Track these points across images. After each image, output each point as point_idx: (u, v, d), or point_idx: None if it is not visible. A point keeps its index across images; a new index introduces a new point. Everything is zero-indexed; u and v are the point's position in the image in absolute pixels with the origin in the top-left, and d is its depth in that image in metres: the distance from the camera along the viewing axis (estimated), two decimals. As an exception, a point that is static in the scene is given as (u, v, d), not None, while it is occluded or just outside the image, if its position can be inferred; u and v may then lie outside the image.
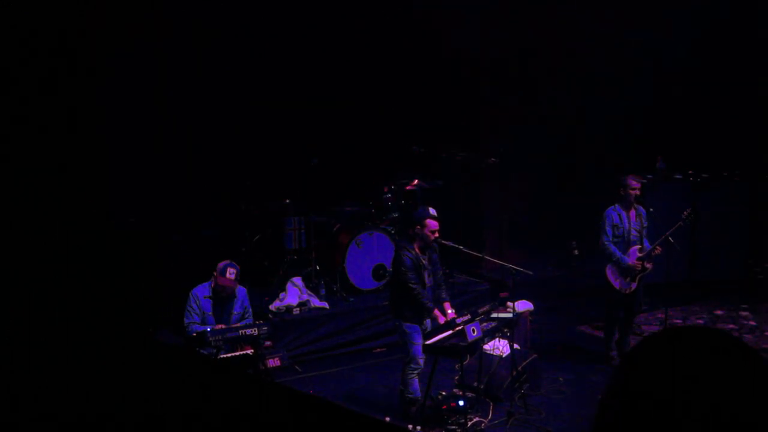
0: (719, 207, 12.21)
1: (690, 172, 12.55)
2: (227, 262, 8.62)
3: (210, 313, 8.59)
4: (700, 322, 11.26)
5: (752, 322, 11.22)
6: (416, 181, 11.22)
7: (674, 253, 9.42)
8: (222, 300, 8.63)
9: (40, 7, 9.84)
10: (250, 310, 8.86)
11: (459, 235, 11.29)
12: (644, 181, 11.54)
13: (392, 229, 11.04)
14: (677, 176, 12.48)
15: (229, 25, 11.68)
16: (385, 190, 11.38)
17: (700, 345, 1.62)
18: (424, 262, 8.41)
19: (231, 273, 8.56)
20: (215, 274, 8.58)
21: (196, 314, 8.56)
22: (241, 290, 8.84)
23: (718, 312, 11.60)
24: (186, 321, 8.57)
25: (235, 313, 8.68)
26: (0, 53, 9.48)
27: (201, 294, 8.61)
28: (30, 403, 2.51)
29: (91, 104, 10.87)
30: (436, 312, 8.34)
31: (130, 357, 2.76)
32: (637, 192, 9.60)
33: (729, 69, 13.04)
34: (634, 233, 9.61)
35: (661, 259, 9.55)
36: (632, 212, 9.63)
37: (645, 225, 9.66)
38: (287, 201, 10.85)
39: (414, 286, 8.26)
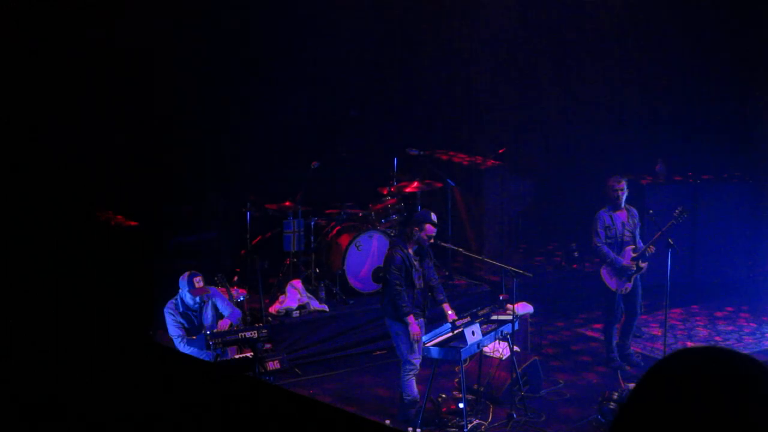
0: (720, 208, 12.19)
1: (690, 173, 12.54)
2: (188, 273, 8.53)
3: (188, 323, 8.56)
4: (700, 323, 11.25)
5: (752, 324, 11.20)
6: (416, 184, 11.21)
7: (674, 254, 9.40)
8: (194, 310, 8.58)
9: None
10: (225, 308, 8.74)
11: (458, 238, 11.30)
12: (642, 182, 11.55)
13: (392, 232, 11.02)
14: (677, 178, 12.47)
15: (229, 26, 11.66)
16: (385, 192, 11.37)
17: (727, 366, 1.64)
18: (414, 263, 8.39)
19: (199, 281, 8.51)
20: (186, 290, 8.48)
21: (176, 328, 8.51)
22: (214, 293, 8.80)
23: (719, 313, 11.58)
24: (173, 334, 8.49)
25: (209, 316, 8.64)
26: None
27: (174, 310, 8.55)
28: (30, 403, 2.50)
29: (92, 105, 10.86)
30: (410, 319, 8.27)
31: (129, 359, 2.75)
32: (619, 193, 9.57)
33: (729, 69, 13.02)
34: (627, 234, 9.63)
35: (661, 260, 9.53)
36: (623, 213, 9.64)
37: (638, 225, 9.68)
38: (287, 204, 10.83)
39: (398, 287, 8.24)
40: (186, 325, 8.54)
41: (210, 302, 8.68)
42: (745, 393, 1.61)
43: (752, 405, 1.60)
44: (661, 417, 1.62)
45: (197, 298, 8.52)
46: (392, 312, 8.38)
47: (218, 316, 8.68)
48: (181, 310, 8.54)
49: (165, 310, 8.53)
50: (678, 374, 1.67)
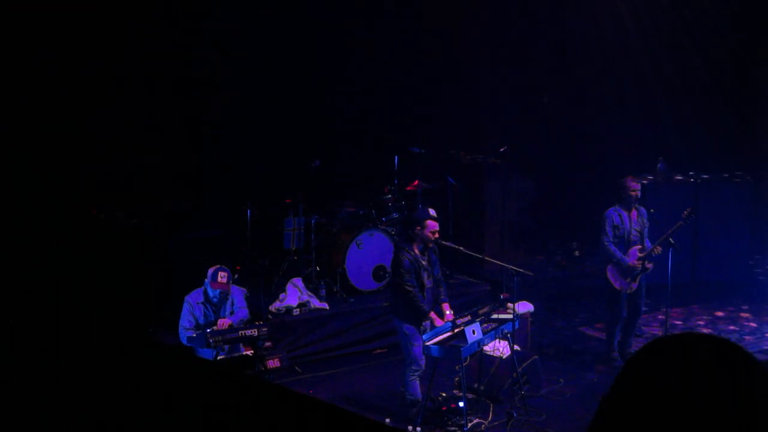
0: (720, 208, 12.18)
1: (691, 173, 12.53)
2: (217, 266, 8.62)
3: (203, 318, 8.58)
4: (701, 323, 11.24)
5: (753, 324, 11.20)
6: (417, 182, 11.20)
7: (676, 253, 9.39)
8: (214, 305, 8.62)
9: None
10: (238, 304, 8.78)
11: (459, 236, 11.29)
12: (644, 182, 11.53)
13: (392, 230, 11.02)
14: (678, 177, 12.46)
15: (229, 26, 11.66)
16: (386, 190, 11.36)
17: (704, 350, 1.66)
18: (423, 263, 8.38)
19: (223, 277, 8.55)
20: (207, 280, 8.57)
21: (188, 320, 8.56)
22: (235, 291, 8.83)
23: (719, 313, 11.58)
24: (181, 323, 8.57)
25: (227, 314, 8.67)
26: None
27: (194, 300, 8.61)
28: (29, 404, 2.49)
29: (91, 104, 10.87)
30: (432, 315, 8.31)
31: (129, 357, 2.74)
32: (637, 193, 9.59)
33: (730, 68, 13.02)
34: (634, 233, 9.59)
35: (662, 260, 9.53)
36: (633, 213, 9.61)
37: (646, 225, 9.65)
38: (288, 201, 10.82)
39: (410, 288, 8.23)
40: (200, 319, 8.57)
41: (230, 299, 8.73)
42: (724, 377, 1.63)
43: (731, 388, 1.61)
44: (641, 407, 1.63)
45: (216, 291, 8.57)
46: (402, 314, 8.37)
47: (233, 313, 8.73)
48: (201, 300, 8.60)
49: (186, 297, 8.61)
50: (655, 363, 1.68)
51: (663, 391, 1.62)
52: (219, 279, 8.55)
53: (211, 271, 8.62)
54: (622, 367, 1.73)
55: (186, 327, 8.55)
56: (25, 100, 10.39)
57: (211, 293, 8.60)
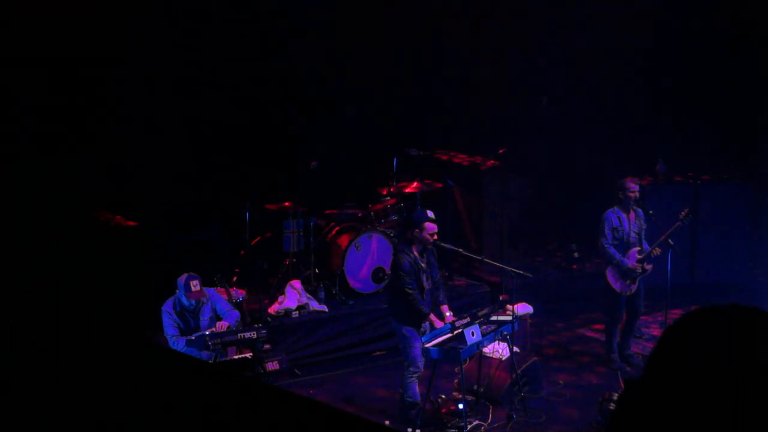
0: (720, 209, 12.17)
1: (690, 174, 12.53)
2: (186, 275, 8.50)
3: (184, 324, 8.52)
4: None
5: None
6: (415, 184, 11.20)
7: (675, 255, 9.39)
8: (192, 311, 8.55)
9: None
10: (223, 308, 8.70)
11: (458, 238, 11.29)
12: (643, 183, 11.53)
13: (391, 232, 11.01)
14: (678, 178, 12.46)
15: (228, 27, 11.67)
16: (384, 192, 11.35)
17: (740, 321, 1.60)
18: (422, 265, 8.37)
19: (195, 285, 8.47)
20: (180, 292, 8.45)
21: (173, 328, 8.48)
22: (213, 295, 8.76)
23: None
24: (168, 333, 8.46)
25: (206, 318, 8.60)
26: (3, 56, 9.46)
27: (171, 309, 8.52)
28: (29, 404, 2.49)
29: (91, 107, 10.87)
30: (432, 317, 8.31)
31: (129, 358, 2.74)
32: (636, 194, 9.59)
33: (729, 69, 13.02)
34: (633, 235, 9.60)
35: (662, 262, 9.53)
36: (632, 214, 9.62)
37: (644, 227, 9.65)
38: (286, 204, 10.82)
39: (411, 291, 8.22)
40: (182, 326, 8.51)
41: (209, 304, 8.66)
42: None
43: None
44: (681, 380, 1.58)
45: (193, 301, 8.49)
46: (401, 316, 8.36)
47: (216, 318, 8.66)
48: (178, 309, 8.51)
49: (163, 308, 8.50)
50: (697, 334, 1.62)
51: (705, 364, 1.56)
52: (192, 288, 8.43)
53: (182, 281, 8.48)
54: (660, 339, 1.66)
55: (173, 335, 8.45)
56: (25, 101, 10.39)
57: (186, 302, 8.48)
